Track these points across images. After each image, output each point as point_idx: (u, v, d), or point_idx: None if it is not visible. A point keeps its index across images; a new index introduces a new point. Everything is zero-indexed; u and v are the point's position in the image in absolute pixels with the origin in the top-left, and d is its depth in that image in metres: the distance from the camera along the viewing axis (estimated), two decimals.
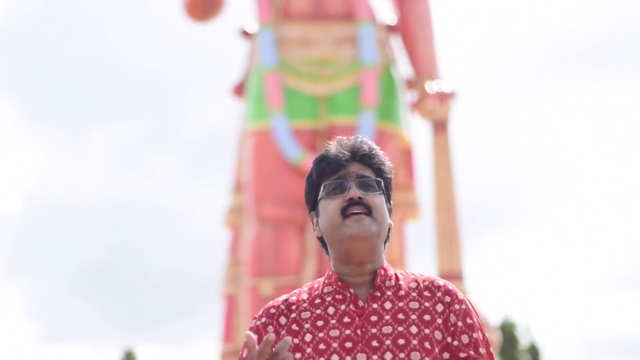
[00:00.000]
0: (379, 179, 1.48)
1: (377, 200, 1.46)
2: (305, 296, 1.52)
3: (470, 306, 1.53)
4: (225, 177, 8.85)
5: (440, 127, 8.40)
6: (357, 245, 1.45)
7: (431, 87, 8.35)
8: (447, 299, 1.50)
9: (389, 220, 1.51)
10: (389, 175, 1.52)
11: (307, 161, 7.88)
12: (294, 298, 1.52)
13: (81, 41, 29.09)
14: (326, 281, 1.51)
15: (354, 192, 1.44)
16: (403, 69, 8.78)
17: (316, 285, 1.54)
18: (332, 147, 1.52)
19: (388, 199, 1.52)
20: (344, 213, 1.45)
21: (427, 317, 1.47)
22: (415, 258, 8.84)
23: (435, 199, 8.31)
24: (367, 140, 1.53)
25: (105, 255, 29.81)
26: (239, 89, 8.77)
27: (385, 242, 1.55)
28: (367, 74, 8.15)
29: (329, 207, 1.48)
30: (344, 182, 1.46)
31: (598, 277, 33.74)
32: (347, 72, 8.21)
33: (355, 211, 1.45)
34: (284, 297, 1.55)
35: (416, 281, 1.52)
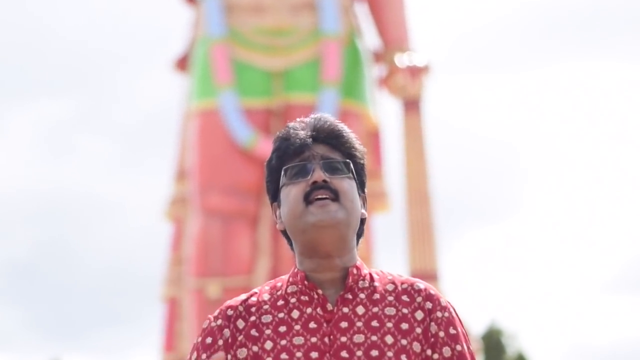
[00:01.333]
0: (347, 160, 1.48)
1: (344, 184, 1.46)
2: (266, 297, 1.51)
3: (454, 314, 1.53)
4: (167, 163, 8.77)
5: (411, 106, 8.43)
6: (323, 234, 1.44)
7: (401, 60, 8.36)
8: (429, 305, 1.49)
9: (362, 210, 1.50)
10: (360, 159, 1.52)
11: (260, 145, 7.87)
12: (254, 299, 1.51)
13: None
14: (291, 280, 1.50)
15: (318, 174, 1.44)
16: (369, 39, 8.78)
17: (279, 284, 1.53)
18: (294, 126, 1.51)
19: (361, 186, 1.51)
20: (307, 199, 1.45)
21: (404, 326, 1.47)
22: (383, 255, 8.87)
23: (406, 188, 8.35)
24: (333, 119, 1.53)
25: (29, 253, 29.47)
26: (182, 63, 8.72)
27: (359, 237, 1.54)
28: (328, 46, 8.15)
29: (291, 193, 1.48)
30: (307, 164, 1.46)
31: (592, 278, 34.18)
32: (306, 44, 8.22)
33: (319, 196, 1.45)
34: (243, 297, 1.54)
35: (393, 283, 1.52)
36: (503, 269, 33.14)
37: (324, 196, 1.44)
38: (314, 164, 1.46)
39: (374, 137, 8.50)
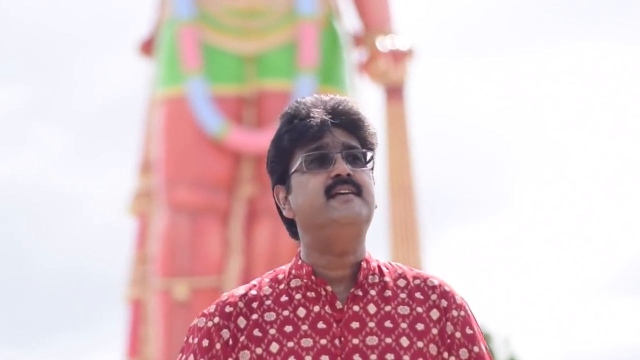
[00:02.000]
0: (370, 151, 1.41)
1: (366, 177, 1.40)
2: (267, 290, 1.44)
3: (469, 312, 1.49)
4: (130, 154, 8.69)
5: (394, 92, 8.44)
6: (344, 231, 1.39)
7: (383, 44, 8.36)
8: (444, 303, 1.45)
9: (377, 202, 1.45)
10: (376, 148, 1.45)
11: (231, 135, 7.79)
12: (254, 292, 1.43)
13: None
14: (294, 272, 1.44)
15: (342, 167, 1.37)
16: (349, 22, 8.73)
17: (280, 277, 1.45)
18: (307, 103, 1.41)
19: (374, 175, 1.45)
20: (329, 192, 1.37)
21: (420, 326, 1.42)
22: None
23: (388, 181, 8.37)
24: (350, 100, 1.43)
25: None
26: (147, 47, 8.62)
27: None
28: (304, 28, 8.12)
29: (309, 183, 1.39)
30: (329, 153, 1.38)
31: (589, 278, 34.31)
32: (281, 26, 8.17)
33: (343, 191, 1.38)
34: (242, 290, 1.44)
35: (405, 278, 1.47)
36: (493, 269, 32.96)
37: (347, 191, 1.38)
38: (335, 154, 1.39)
39: None
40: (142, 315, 8.08)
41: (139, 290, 8.12)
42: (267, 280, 1.44)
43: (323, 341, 1.37)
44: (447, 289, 1.48)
